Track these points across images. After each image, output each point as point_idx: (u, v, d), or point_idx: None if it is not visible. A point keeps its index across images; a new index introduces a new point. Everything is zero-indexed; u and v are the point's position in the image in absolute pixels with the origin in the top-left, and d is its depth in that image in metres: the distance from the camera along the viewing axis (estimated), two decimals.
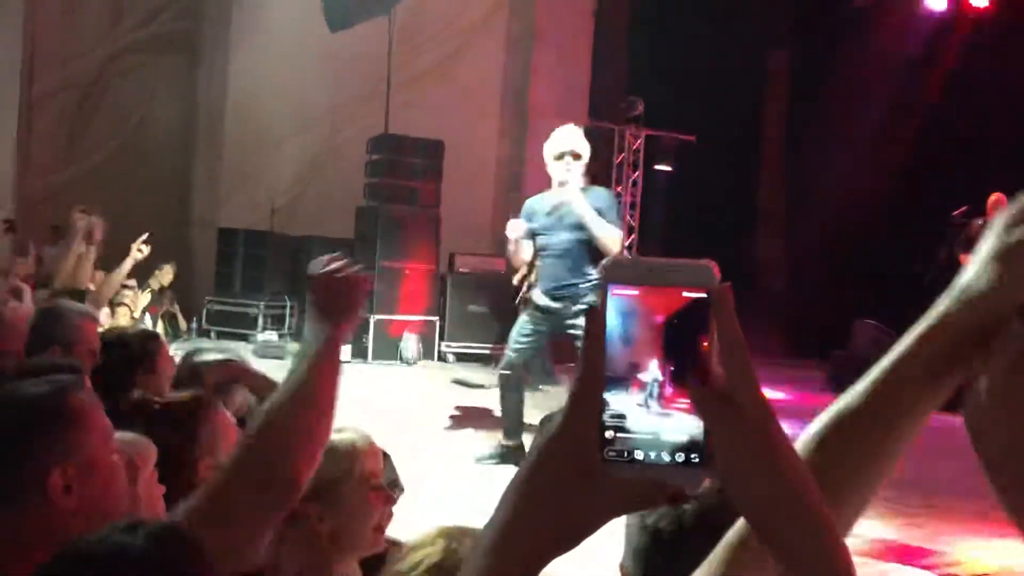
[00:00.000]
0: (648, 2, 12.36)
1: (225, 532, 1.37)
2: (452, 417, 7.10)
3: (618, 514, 0.63)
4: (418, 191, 10.19)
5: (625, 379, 0.59)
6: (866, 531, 4.59)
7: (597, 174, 12.88)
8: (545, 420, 0.64)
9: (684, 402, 0.59)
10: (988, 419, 0.66)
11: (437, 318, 10.22)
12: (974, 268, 0.68)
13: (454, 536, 1.52)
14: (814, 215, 11.57)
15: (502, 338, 10.34)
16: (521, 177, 12.66)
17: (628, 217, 12.36)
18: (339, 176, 11.01)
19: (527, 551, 0.62)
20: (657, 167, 12.24)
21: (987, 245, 0.68)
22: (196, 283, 11.71)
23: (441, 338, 10.38)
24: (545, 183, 11.92)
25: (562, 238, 5.32)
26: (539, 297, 5.43)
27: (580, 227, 5.23)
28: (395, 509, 1.84)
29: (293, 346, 10.32)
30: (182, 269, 11.00)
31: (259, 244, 11.19)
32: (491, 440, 6.02)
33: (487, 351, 10.57)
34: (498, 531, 0.62)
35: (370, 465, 1.67)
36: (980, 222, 9.83)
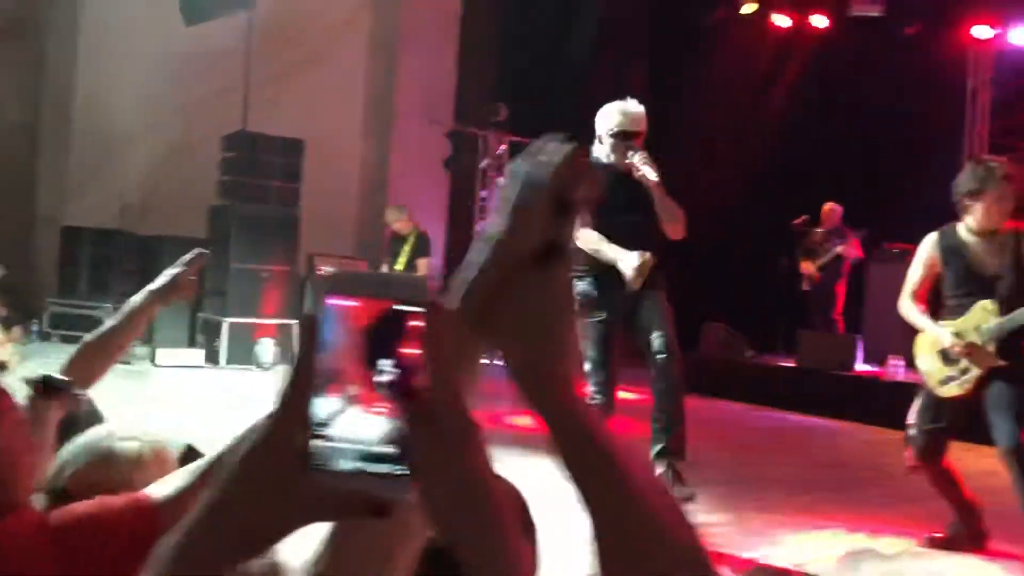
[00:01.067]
0: (513, 10, 12.50)
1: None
2: None
3: (316, 522, 0.63)
4: (276, 190, 9.97)
5: (336, 388, 0.60)
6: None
7: (462, 178, 12.98)
8: (250, 428, 0.64)
9: (389, 410, 0.60)
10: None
11: (295, 321, 10.02)
12: (497, 215, 0.69)
13: None
14: None
15: None
16: (386, 178, 12.61)
17: None
18: (193, 174, 10.64)
19: (212, 554, 0.61)
20: None
21: (507, 191, 0.69)
22: (39, 284, 11.09)
23: None
24: (409, 185, 11.94)
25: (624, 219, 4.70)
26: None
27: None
28: None
29: (143, 350, 9.93)
30: (24, 269, 10.40)
31: (107, 243, 10.70)
32: None
33: None
34: (186, 532, 0.62)
35: (153, 477, 1.60)
36: (819, 231, 10.43)
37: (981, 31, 11.14)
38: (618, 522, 0.65)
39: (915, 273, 4.38)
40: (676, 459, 4.71)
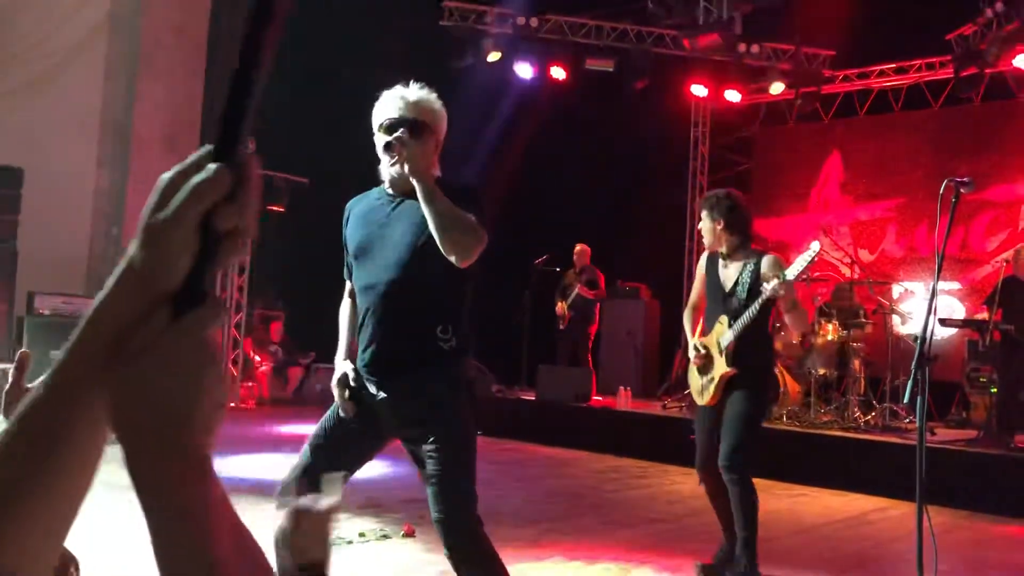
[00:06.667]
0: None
1: None
2: None
3: None
4: None
5: None
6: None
7: None
8: None
9: None
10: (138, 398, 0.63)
11: (11, 365, 9.17)
12: (132, 247, 0.66)
13: None
14: None
15: None
16: (124, 210, 11.88)
17: None
18: None
19: None
20: (269, 207, 12.12)
21: (139, 226, 0.66)
22: None
23: None
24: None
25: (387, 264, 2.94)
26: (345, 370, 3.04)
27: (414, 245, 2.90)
28: None
29: None
30: None
31: None
32: None
33: None
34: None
35: None
36: (571, 270, 10.96)
37: (699, 89, 12.26)
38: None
39: (695, 288, 4.89)
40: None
